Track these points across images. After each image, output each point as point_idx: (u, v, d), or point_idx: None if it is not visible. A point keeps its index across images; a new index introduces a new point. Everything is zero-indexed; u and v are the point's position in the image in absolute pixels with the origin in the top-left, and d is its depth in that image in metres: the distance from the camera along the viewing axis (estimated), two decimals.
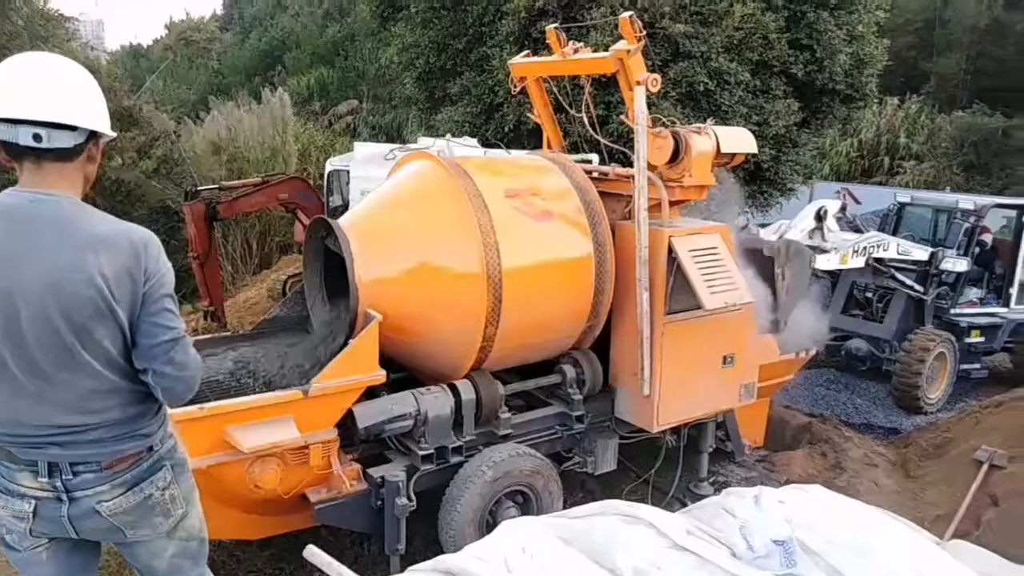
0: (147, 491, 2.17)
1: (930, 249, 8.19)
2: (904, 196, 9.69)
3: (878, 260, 7.77)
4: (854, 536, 2.48)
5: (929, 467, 5.93)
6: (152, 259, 2.06)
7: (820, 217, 7.43)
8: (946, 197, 10.92)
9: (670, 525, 2.53)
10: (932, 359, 7.79)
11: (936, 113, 22.62)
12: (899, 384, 7.87)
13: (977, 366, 8.47)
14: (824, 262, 7.42)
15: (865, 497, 4.19)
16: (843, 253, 7.50)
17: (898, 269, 8.04)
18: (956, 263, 8.23)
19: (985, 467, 5.35)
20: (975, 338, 8.39)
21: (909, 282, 8.09)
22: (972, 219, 8.46)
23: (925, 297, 8.15)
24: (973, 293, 8.66)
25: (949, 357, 8.03)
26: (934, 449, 6.14)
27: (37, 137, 1.95)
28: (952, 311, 8.34)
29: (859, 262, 7.64)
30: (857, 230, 8.53)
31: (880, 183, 19.56)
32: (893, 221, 9.21)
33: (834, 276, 8.68)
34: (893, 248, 7.92)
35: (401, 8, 13.46)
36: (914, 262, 8.09)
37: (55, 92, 1.98)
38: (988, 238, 8.83)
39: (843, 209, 8.47)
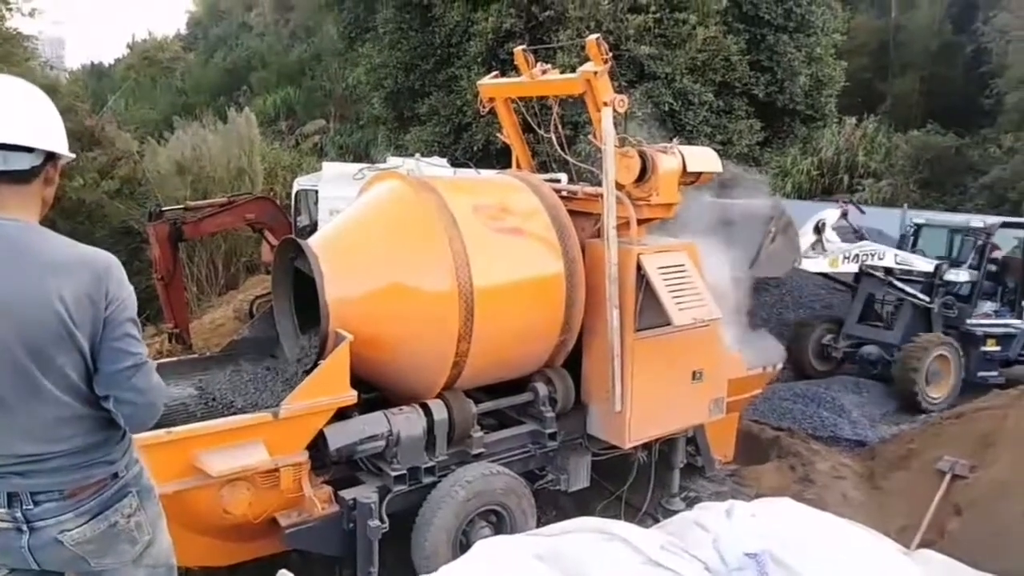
0: (112, 519, 2.11)
1: (935, 261, 8.73)
2: (920, 218, 10.34)
3: (876, 268, 8.33)
4: (825, 548, 2.52)
5: (894, 478, 6.03)
6: (114, 283, 2.02)
7: (819, 229, 7.88)
8: (958, 218, 11.46)
9: (644, 541, 2.55)
10: (931, 360, 8.14)
11: (892, 132, 23.28)
12: (897, 382, 8.28)
13: (994, 374, 8.82)
14: (811, 265, 7.90)
15: (834, 509, 4.26)
16: (832, 258, 7.95)
17: (904, 280, 8.55)
18: (959, 274, 8.74)
19: (948, 477, 5.47)
20: (991, 347, 8.80)
21: (911, 290, 8.56)
22: (982, 237, 8.98)
23: (931, 306, 8.61)
24: (988, 306, 9.09)
25: (953, 360, 8.37)
26: (899, 460, 6.25)
27: None
28: (968, 322, 8.79)
29: (851, 268, 8.19)
30: (863, 239, 8.93)
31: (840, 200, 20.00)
32: (911, 240, 9.77)
33: (852, 288, 9.22)
34: (890, 258, 8.44)
35: (369, 28, 13.54)
36: (921, 273, 8.64)
37: (10, 113, 1.94)
38: (998, 255, 9.33)
39: (845, 215, 8.88)
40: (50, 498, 2.03)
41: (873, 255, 8.30)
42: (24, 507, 2.00)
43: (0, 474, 1.99)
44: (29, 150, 1.96)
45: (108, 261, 2.05)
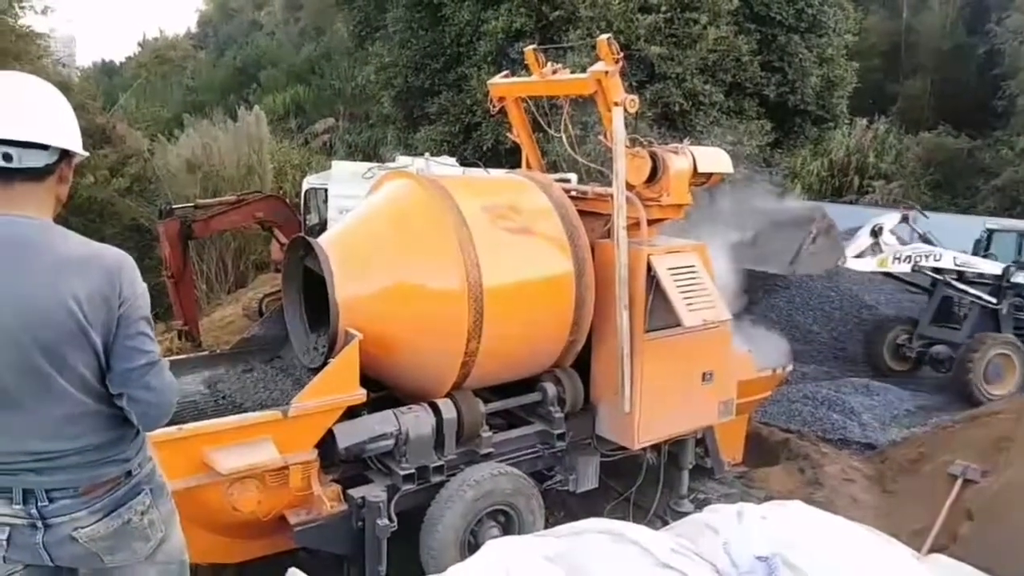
0: (125, 516, 2.12)
1: (1003, 264, 9.05)
2: (993, 223, 10.75)
3: (947, 271, 8.70)
4: (836, 551, 2.50)
5: (905, 482, 5.99)
6: (127, 281, 2.03)
7: (876, 233, 8.24)
8: None
9: (654, 543, 2.54)
10: (991, 357, 8.41)
11: (903, 134, 23.16)
12: (954, 376, 8.63)
13: None
14: (860, 264, 8.25)
15: (844, 512, 4.22)
16: (882, 258, 8.25)
17: (973, 283, 8.92)
18: None
19: (959, 481, 5.42)
20: None
21: (974, 292, 8.90)
22: None
23: (999, 307, 8.90)
24: None
25: (1017, 359, 8.62)
26: (909, 464, 6.20)
27: (7, 157, 1.90)
28: None
29: (903, 268, 8.52)
30: (928, 242, 9.12)
31: (850, 202, 19.93)
32: (984, 245, 10.08)
33: (928, 291, 9.55)
34: (948, 259, 8.72)
35: (379, 28, 13.56)
36: (990, 276, 9.00)
37: (25, 111, 1.94)
38: None
39: (905, 219, 9.08)
40: (65, 495, 2.04)
41: (928, 256, 8.55)
42: (39, 504, 2.01)
43: (15, 471, 2.00)
44: (44, 148, 1.96)
45: (121, 259, 2.05)
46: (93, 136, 14.02)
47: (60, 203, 2.11)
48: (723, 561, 2.50)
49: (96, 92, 19.62)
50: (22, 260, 1.92)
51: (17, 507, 2.00)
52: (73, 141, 2.06)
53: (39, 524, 2.02)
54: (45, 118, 1.98)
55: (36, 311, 1.91)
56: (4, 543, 2.02)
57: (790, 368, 6.22)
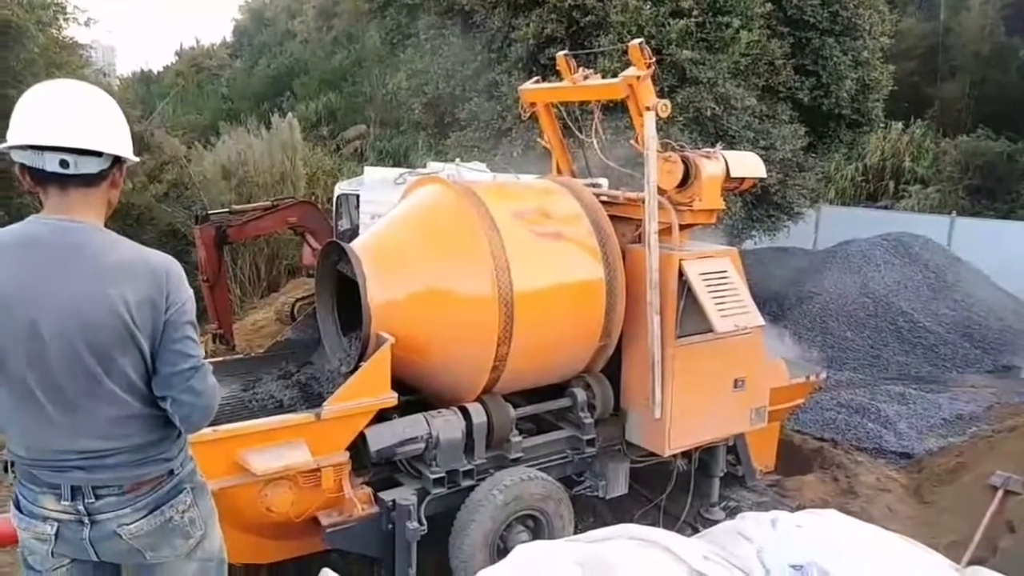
0: (167, 514, 2.17)
1: None
2: None
3: None
4: (873, 561, 2.46)
5: (943, 492, 5.87)
6: (174, 287, 2.08)
7: None
8: None
9: (686, 550, 2.51)
10: None
11: (941, 137, 22.66)
12: None
13: None
14: None
15: (879, 522, 4.14)
16: None
17: None
18: None
19: (1000, 493, 5.29)
20: None
21: None
22: None
23: None
24: None
25: None
26: (947, 474, 6.08)
27: (64, 163, 1.96)
28: None
29: None
30: None
31: (885, 207, 19.57)
32: None
33: None
34: None
35: (410, 35, 13.63)
36: None
37: (81, 119, 2.00)
38: None
39: None
40: (110, 492, 2.09)
41: None
42: (86, 500, 2.07)
43: (64, 468, 2.06)
44: (98, 154, 2.02)
45: (169, 264, 2.10)
46: (132, 143, 14.34)
47: (112, 207, 2.18)
48: (757, 569, 2.46)
49: (135, 100, 20.09)
50: (75, 263, 1.98)
51: (65, 503, 2.06)
52: (125, 147, 2.11)
53: (86, 520, 2.08)
54: (99, 125, 2.04)
55: (87, 313, 1.96)
56: (52, 538, 2.08)
57: (824, 375, 6.13)
